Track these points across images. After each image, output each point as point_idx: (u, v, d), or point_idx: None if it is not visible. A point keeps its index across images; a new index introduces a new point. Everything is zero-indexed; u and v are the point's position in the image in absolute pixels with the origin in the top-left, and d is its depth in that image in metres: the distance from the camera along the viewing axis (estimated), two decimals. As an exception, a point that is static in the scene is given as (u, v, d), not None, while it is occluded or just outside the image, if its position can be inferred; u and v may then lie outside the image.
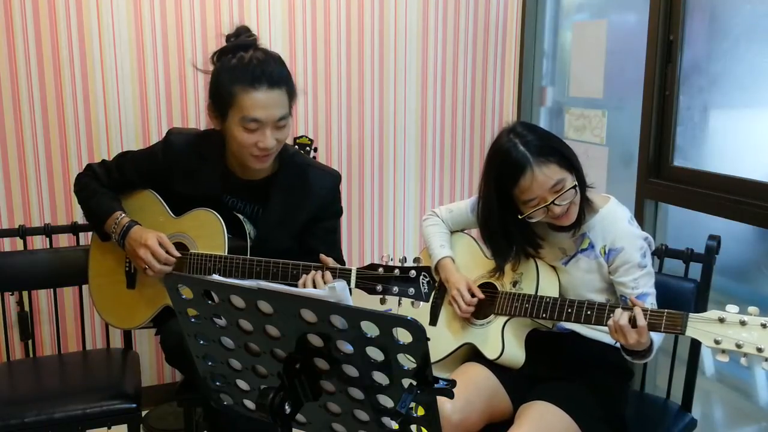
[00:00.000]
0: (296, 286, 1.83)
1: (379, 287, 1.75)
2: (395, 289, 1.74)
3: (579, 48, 3.02)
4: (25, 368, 2.33)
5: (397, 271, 1.74)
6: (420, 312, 2.03)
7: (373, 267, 1.77)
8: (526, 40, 3.30)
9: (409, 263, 1.75)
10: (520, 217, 1.76)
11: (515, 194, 1.75)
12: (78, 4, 2.66)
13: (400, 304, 1.90)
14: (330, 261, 1.87)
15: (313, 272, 1.83)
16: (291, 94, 1.90)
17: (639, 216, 2.54)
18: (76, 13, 2.66)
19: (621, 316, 1.58)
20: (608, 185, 2.83)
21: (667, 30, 2.44)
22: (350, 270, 1.79)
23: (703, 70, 2.41)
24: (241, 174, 2.01)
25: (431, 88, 3.24)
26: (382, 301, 1.77)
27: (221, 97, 1.86)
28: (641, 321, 1.56)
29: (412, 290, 1.73)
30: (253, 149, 1.86)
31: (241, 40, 1.91)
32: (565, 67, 3.14)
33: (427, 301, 1.74)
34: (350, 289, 1.74)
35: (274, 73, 1.85)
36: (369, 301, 1.52)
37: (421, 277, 1.72)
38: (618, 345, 1.68)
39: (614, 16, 2.85)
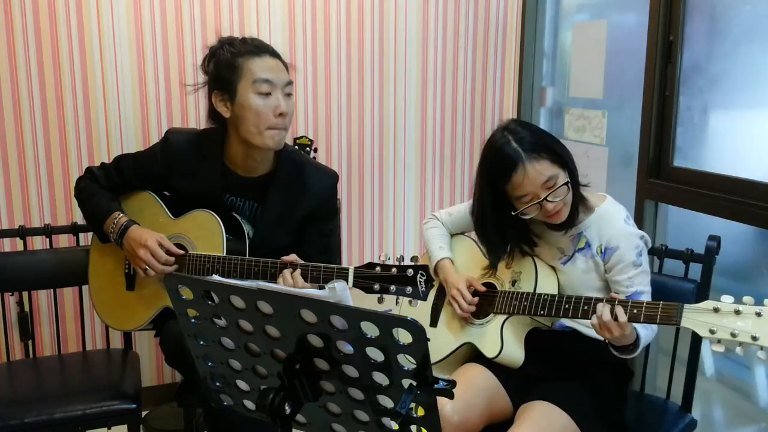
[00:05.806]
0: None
1: (377, 286, 1.74)
2: (393, 288, 1.73)
3: (579, 48, 3.02)
4: (25, 369, 2.33)
5: (394, 270, 1.73)
6: (420, 313, 2.03)
7: (370, 266, 1.76)
8: (526, 41, 3.30)
9: (407, 263, 1.74)
10: (513, 213, 1.76)
11: (508, 190, 1.75)
12: (78, 5, 2.66)
13: (398, 303, 1.90)
14: (293, 257, 1.88)
15: (286, 270, 1.83)
16: (288, 69, 1.98)
17: (639, 216, 2.54)
18: (76, 14, 2.66)
19: (603, 311, 1.60)
20: (608, 185, 2.83)
21: (667, 30, 2.44)
22: (347, 269, 1.79)
23: (703, 70, 2.41)
24: (240, 171, 2.02)
25: (431, 88, 3.24)
26: (380, 300, 1.77)
27: (227, 77, 1.91)
28: (622, 317, 1.58)
29: (409, 289, 1.72)
30: (271, 117, 1.90)
31: (226, 38, 2.00)
32: (565, 67, 3.13)
33: (425, 300, 1.74)
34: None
35: (270, 47, 1.97)
36: (368, 302, 1.52)
37: (419, 275, 1.71)
38: (606, 341, 1.68)
39: (614, 17, 2.85)
